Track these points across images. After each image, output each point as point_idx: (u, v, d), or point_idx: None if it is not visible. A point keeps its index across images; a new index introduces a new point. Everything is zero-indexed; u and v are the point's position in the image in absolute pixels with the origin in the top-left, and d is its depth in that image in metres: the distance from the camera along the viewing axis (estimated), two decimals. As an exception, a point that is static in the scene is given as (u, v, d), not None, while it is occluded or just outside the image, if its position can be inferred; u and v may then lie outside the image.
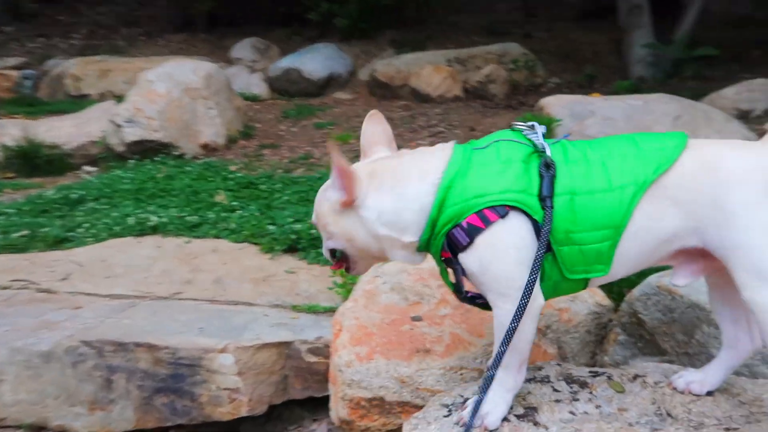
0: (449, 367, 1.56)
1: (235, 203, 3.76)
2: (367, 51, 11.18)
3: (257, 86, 9.99)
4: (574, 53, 10.28)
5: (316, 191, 1.64)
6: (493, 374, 1.31)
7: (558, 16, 12.06)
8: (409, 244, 1.44)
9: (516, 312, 1.26)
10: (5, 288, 2.58)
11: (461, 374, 1.55)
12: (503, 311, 1.33)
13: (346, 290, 2.38)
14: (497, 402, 1.36)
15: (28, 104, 9.08)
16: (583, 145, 1.45)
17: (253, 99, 8.96)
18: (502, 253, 1.33)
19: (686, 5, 10.01)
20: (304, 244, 2.90)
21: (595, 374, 1.44)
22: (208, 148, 6.15)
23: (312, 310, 2.32)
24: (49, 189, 5.07)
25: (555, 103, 5.51)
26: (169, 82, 6.23)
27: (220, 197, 3.81)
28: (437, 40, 11.24)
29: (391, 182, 1.46)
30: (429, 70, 8.91)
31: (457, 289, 1.43)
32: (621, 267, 1.38)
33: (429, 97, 8.66)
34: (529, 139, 1.45)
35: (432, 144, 1.62)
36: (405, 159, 1.53)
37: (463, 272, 1.38)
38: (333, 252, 1.61)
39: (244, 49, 11.28)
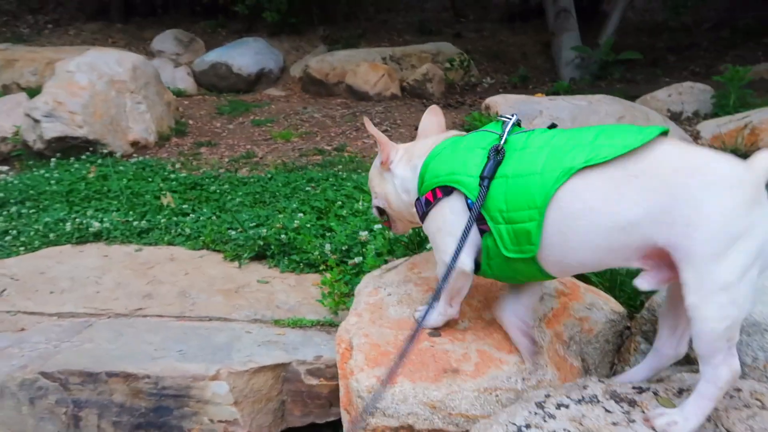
0: (483, 389, 1.42)
1: (184, 206, 3.45)
2: (297, 47, 10.90)
3: (183, 81, 9.46)
4: (504, 54, 10.50)
5: (268, 192, 1.78)
6: (431, 304, 1.61)
7: (485, 17, 12.30)
8: (411, 209, 1.71)
9: (446, 271, 1.49)
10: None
11: (497, 396, 1.41)
12: (440, 269, 1.59)
13: (333, 301, 2.21)
14: (435, 316, 1.66)
15: None
16: (556, 134, 1.48)
17: (179, 94, 8.48)
18: (441, 224, 1.56)
19: (608, 12, 10.49)
20: (273, 250, 2.68)
21: (640, 390, 1.36)
22: (138, 146, 5.70)
23: (297, 324, 2.12)
24: (-44, 191, 4.51)
25: (502, 103, 5.53)
26: (91, 73, 5.71)
27: (167, 199, 3.48)
28: (369, 38, 11.14)
29: (409, 158, 1.75)
30: (365, 68, 8.77)
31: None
32: (573, 252, 1.39)
33: (366, 95, 8.53)
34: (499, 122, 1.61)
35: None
36: (422, 141, 1.80)
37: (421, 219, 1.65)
38: (380, 210, 1.87)
39: (166, 41, 10.64)
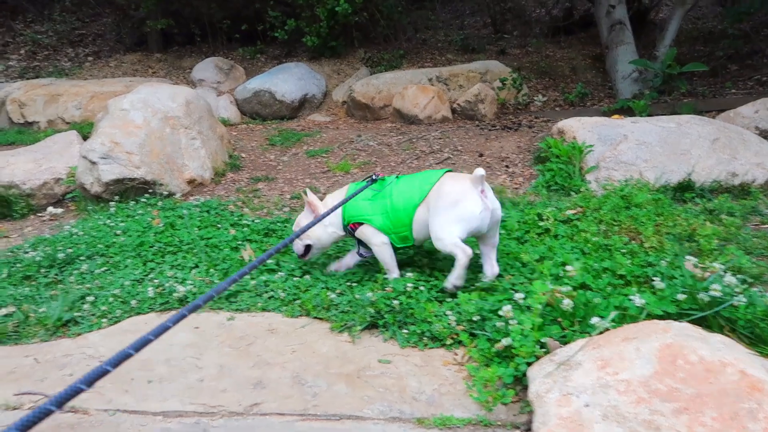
0: None
1: (268, 261, 3.15)
2: (338, 70, 10.69)
3: (226, 109, 9.31)
4: (552, 70, 10.13)
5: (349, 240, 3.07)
6: (385, 266, 2.82)
7: (528, 32, 11.96)
8: (341, 232, 2.92)
9: (380, 249, 2.81)
10: (13, 408, 1.91)
11: None
12: (374, 248, 2.83)
13: (484, 393, 1.86)
14: (393, 275, 2.82)
15: (-34, 135, 8.06)
16: (400, 183, 2.82)
17: (224, 123, 8.32)
18: (366, 234, 2.81)
19: (657, 22, 10.06)
20: (386, 319, 2.35)
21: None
22: (194, 184, 5.47)
23: (446, 424, 1.77)
24: (15, 239, 4.30)
25: (578, 127, 5.16)
26: (145, 110, 5.52)
27: (248, 252, 3.19)
28: (411, 58, 10.89)
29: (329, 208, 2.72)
30: (414, 90, 8.49)
31: (357, 245, 2.95)
32: (421, 235, 2.75)
33: (416, 119, 8.24)
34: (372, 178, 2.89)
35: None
36: (332, 196, 2.99)
37: (358, 240, 2.91)
38: (306, 247, 2.99)
39: (206, 69, 10.53)
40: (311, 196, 2.94)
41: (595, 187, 4.54)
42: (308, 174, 5.88)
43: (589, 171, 4.80)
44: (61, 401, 1.07)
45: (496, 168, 5.72)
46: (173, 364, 2.16)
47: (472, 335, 2.21)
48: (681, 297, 2.02)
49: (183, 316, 1.42)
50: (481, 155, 6.11)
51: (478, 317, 2.23)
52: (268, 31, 10.72)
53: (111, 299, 2.75)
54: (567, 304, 1.99)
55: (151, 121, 5.42)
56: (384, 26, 11.08)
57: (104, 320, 2.58)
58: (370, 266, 3.04)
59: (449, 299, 2.51)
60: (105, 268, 3.22)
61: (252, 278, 2.91)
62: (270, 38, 10.99)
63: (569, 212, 3.57)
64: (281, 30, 10.36)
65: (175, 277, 2.95)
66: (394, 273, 2.81)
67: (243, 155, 6.54)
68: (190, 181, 5.43)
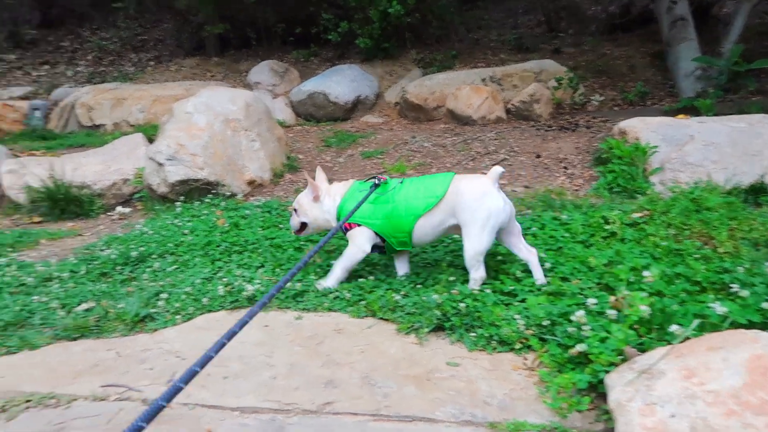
0: None
1: (331, 261, 3.20)
2: (391, 71, 10.73)
3: (281, 111, 9.49)
4: (609, 69, 9.87)
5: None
6: (332, 270, 2.91)
7: (584, 30, 11.69)
8: (333, 223, 2.95)
9: (354, 250, 2.90)
10: (100, 399, 2.01)
11: None
12: (353, 248, 2.88)
13: (558, 399, 1.83)
14: (329, 281, 2.89)
15: (40, 137, 8.50)
16: (404, 187, 2.84)
17: (280, 125, 8.49)
18: (355, 235, 2.87)
19: (723, 17, 9.66)
20: (453, 322, 2.35)
21: None
22: (254, 185, 5.60)
23: (519, 429, 1.76)
24: (89, 237, 4.51)
25: (641, 127, 5.02)
26: (208, 113, 5.69)
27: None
28: (463, 59, 10.82)
29: (331, 195, 3.03)
30: (467, 91, 8.44)
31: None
32: (421, 240, 2.85)
33: (470, 119, 8.19)
34: (375, 183, 2.92)
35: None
36: (335, 185, 3.10)
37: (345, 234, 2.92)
38: (302, 224, 3.12)
39: (262, 72, 10.76)
40: (318, 177, 3.13)
41: (661, 190, 4.40)
42: (364, 175, 5.93)
43: (654, 173, 4.66)
44: (169, 397, 1.13)
45: (554, 169, 5.63)
46: (246, 362, 2.23)
47: (542, 340, 2.19)
48: (766, 305, 1.94)
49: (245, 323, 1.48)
50: (538, 156, 6.02)
51: (548, 322, 2.20)
52: (322, 34, 10.85)
53: (183, 297, 2.85)
54: (644, 310, 1.94)
55: (213, 124, 5.59)
56: (436, 27, 11.06)
57: (178, 317, 2.68)
58: (433, 268, 3.05)
59: (517, 303, 2.49)
60: (176, 266, 3.34)
61: (318, 277, 2.96)
62: (323, 41, 11.13)
63: (635, 215, 3.48)
64: (334, 32, 10.47)
65: (243, 276, 3.03)
66: (342, 276, 2.87)
67: (300, 156, 6.65)
68: (250, 182, 5.57)
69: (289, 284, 2.87)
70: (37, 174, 5.53)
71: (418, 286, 2.81)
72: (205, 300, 2.79)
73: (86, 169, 5.84)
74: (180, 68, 11.62)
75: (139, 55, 12.57)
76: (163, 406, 1.13)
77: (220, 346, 1.42)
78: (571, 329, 2.07)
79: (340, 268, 2.88)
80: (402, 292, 2.71)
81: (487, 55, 10.95)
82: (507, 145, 6.45)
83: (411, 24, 10.49)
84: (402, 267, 3.03)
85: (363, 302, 2.67)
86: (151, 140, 6.70)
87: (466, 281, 2.75)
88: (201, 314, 2.70)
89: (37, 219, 5.37)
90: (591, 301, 2.18)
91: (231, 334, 1.46)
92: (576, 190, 5.01)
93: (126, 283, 3.20)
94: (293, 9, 11.27)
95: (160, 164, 5.15)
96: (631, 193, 4.59)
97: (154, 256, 3.50)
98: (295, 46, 11.67)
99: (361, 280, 2.89)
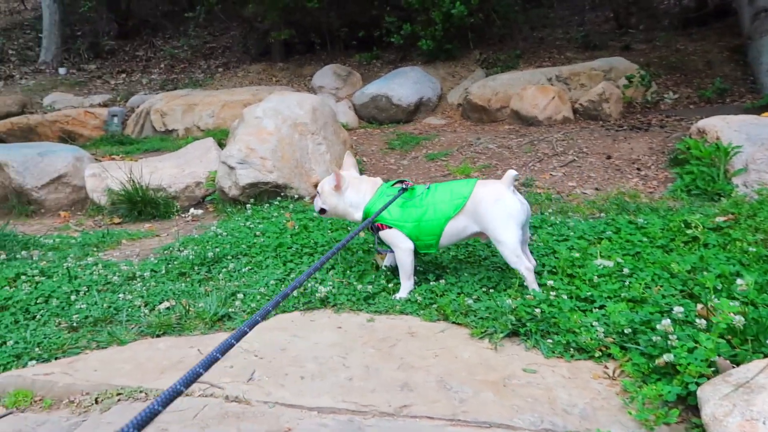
0: None
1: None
2: (453, 72, 10.67)
3: (345, 114, 9.60)
4: (684, 65, 9.44)
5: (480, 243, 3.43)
6: (401, 281, 2.92)
7: (655, 25, 11.23)
8: (357, 216, 3.08)
9: (403, 253, 2.92)
10: (185, 395, 2.10)
11: None
12: (399, 252, 2.91)
13: (644, 410, 1.76)
14: (402, 291, 2.88)
15: (118, 142, 8.95)
16: (433, 192, 2.94)
17: (344, 128, 8.58)
18: (393, 237, 2.92)
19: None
20: (528, 327, 2.31)
21: None
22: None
23: (603, 439, 1.71)
24: (165, 238, 4.71)
25: (722, 126, 4.77)
26: (276, 118, 5.83)
27: (380, 258, 3.27)
28: (528, 58, 10.62)
29: (355, 189, 3.11)
30: (533, 91, 8.28)
31: (377, 243, 3.01)
32: (443, 245, 2.93)
33: (535, 120, 8.03)
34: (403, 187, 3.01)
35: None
36: (364, 180, 3.18)
37: (379, 238, 2.98)
38: (322, 209, 3.20)
39: (325, 76, 10.95)
40: (346, 163, 3.25)
41: (745, 192, 4.17)
42: (429, 177, 5.92)
43: (737, 174, 4.42)
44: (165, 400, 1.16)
45: (626, 171, 5.44)
46: (321, 362, 2.26)
47: (623, 348, 2.11)
48: None
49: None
50: (608, 157, 5.83)
51: (630, 330, 2.13)
52: (384, 37, 10.92)
53: (258, 297, 2.93)
54: (738, 320, 1.84)
55: (281, 128, 5.72)
56: (500, 26, 10.91)
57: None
58: (504, 271, 3.00)
59: (595, 309, 2.42)
60: (249, 267, 3.44)
61: (388, 281, 2.98)
62: (385, 43, 11.19)
63: (719, 219, 3.31)
64: (397, 35, 10.50)
65: (315, 278, 3.08)
66: (410, 281, 2.90)
67: (364, 159, 6.71)
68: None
69: (360, 287, 2.90)
70: (117, 177, 5.83)
71: (491, 290, 2.78)
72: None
73: (162, 172, 6.11)
74: (247, 74, 11.98)
75: (208, 62, 13.05)
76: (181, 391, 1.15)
77: (227, 346, 1.43)
78: (655, 338, 1.99)
79: (404, 277, 2.91)
80: (474, 296, 2.69)
81: (552, 53, 10.71)
82: (575, 146, 6.29)
83: (474, 24, 10.39)
84: (388, 259, 3.19)
85: (434, 306, 2.66)
86: (221, 144, 6.94)
87: (540, 285, 2.69)
88: (276, 314, 2.77)
89: (117, 220, 5.65)
90: (677, 309, 2.08)
91: (241, 334, 1.47)
92: (651, 192, 4.83)
93: (203, 282, 3.32)
94: (356, 13, 11.39)
95: (232, 168, 5.32)
96: (711, 195, 4.38)
97: (228, 257, 3.61)
98: (357, 50, 11.80)
99: (432, 283, 2.88)
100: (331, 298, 2.83)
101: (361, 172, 6.32)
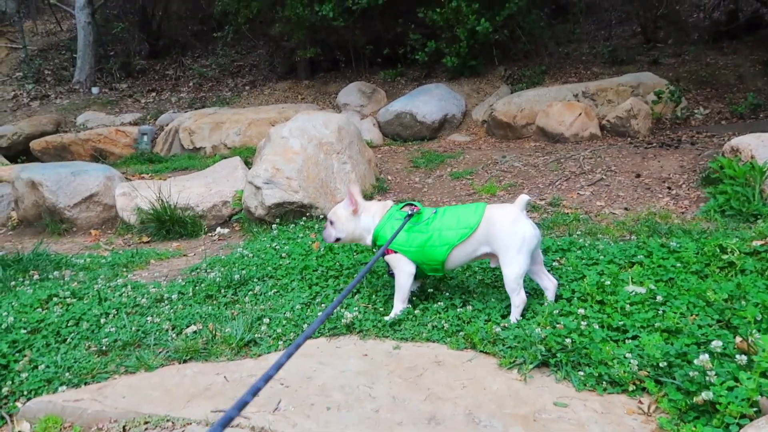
0: None
1: (425, 288, 3.19)
2: (478, 89, 10.65)
3: (369, 132, 9.64)
4: (714, 79, 9.28)
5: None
6: (394, 303, 2.95)
7: (684, 39, 11.08)
8: (367, 242, 3.09)
9: (403, 276, 2.93)
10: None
11: None
12: (399, 273, 2.94)
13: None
14: (393, 313, 2.90)
15: (148, 160, 9.12)
16: (440, 216, 2.93)
17: (368, 145, 8.62)
18: (396, 260, 2.94)
19: None
20: (558, 358, 2.26)
21: None
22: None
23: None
24: (192, 258, 4.76)
25: (757, 144, 4.66)
26: (302, 137, 5.88)
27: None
28: (554, 74, 10.56)
29: (367, 212, 3.08)
30: (559, 107, 8.21)
31: (387, 267, 3.05)
32: (453, 265, 2.97)
33: (561, 137, 7.95)
34: (409, 213, 2.98)
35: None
36: (374, 204, 3.14)
37: (387, 262, 3.01)
38: (337, 239, 3.15)
39: (350, 94, 11.03)
40: (355, 191, 3.11)
41: (782, 213, 4.05)
42: (454, 196, 5.89)
43: (773, 194, 4.30)
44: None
45: (656, 190, 5.33)
46: (348, 392, 2.24)
47: (658, 382, 2.04)
48: None
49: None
50: (638, 176, 5.73)
51: (665, 363, 2.06)
52: (409, 54, 10.97)
53: (284, 322, 2.92)
54: (781, 357, 1.77)
55: (307, 148, 5.76)
56: (525, 42, 10.88)
57: (280, 342, 2.75)
58: (532, 296, 2.95)
59: (628, 339, 2.35)
60: (275, 290, 3.45)
61: (414, 306, 2.95)
62: (410, 61, 11.24)
63: (756, 243, 3.21)
64: (422, 52, 10.54)
65: (342, 304, 3.07)
66: (403, 304, 2.93)
67: (389, 177, 6.71)
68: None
69: (382, 309, 2.87)
70: (146, 196, 5.92)
71: (519, 318, 2.73)
72: (305, 326, 2.85)
73: (190, 191, 6.18)
74: (273, 92, 12.14)
75: (235, 80, 13.26)
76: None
77: (267, 378, 1.39)
78: (692, 373, 1.92)
79: (399, 300, 2.94)
80: (502, 324, 2.64)
81: (578, 69, 10.63)
82: (603, 164, 6.20)
83: (499, 40, 10.39)
84: (413, 284, 3.09)
85: (461, 333, 2.62)
86: (247, 163, 7.02)
87: (570, 313, 2.64)
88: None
89: (145, 239, 5.73)
90: (715, 343, 2.01)
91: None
92: (682, 212, 4.72)
93: (230, 305, 3.34)
94: (381, 31, 11.48)
95: (258, 188, 5.36)
96: (746, 216, 4.26)
97: (255, 279, 3.62)
98: (382, 67, 11.87)
99: (459, 309, 2.84)
100: (357, 324, 2.81)
101: (386, 191, 6.33)
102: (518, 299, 2.72)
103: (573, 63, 10.94)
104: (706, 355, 1.90)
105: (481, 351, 2.47)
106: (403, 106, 9.70)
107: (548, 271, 2.99)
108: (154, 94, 12.91)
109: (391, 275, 3.04)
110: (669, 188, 5.32)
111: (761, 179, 4.36)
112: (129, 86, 13.39)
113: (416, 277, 3.01)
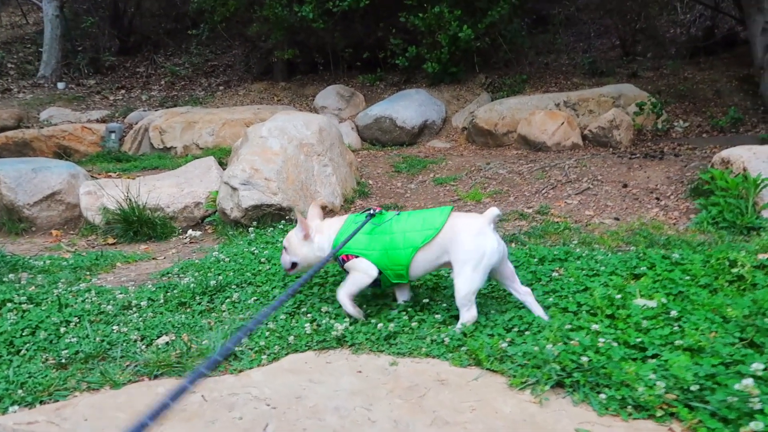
0: None
1: (419, 298, 2.96)
2: (458, 96, 10.54)
3: (347, 135, 9.40)
4: (693, 94, 9.34)
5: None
6: (342, 303, 2.77)
7: (662, 53, 11.17)
8: (328, 257, 2.74)
9: (363, 277, 2.74)
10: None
11: None
12: (361, 275, 2.74)
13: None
14: (344, 305, 2.76)
15: (115, 159, 8.71)
16: (403, 219, 2.79)
17: (348, 150, 8.36)
18: (359, 264, 2.75)
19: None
20: (574, 378, 2.06)
21: None
22: (325, 211, 5.44)
23: None
24: (162, 261, 4.45)
25: (749, 157, 4.59)
26: (282, 137, 5.61)
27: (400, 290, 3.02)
28: (534, 83, 10.52)
29: (323, 234, 2.91)
30: (541, 116, 8.12)
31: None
32: (417, 272, 2.77)
33: (543, 145, 7.86)
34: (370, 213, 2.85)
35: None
36: (329, 222, 2.99)
37: (343, 267, 2.84)
38: (293, 264, 2.97)
39: (328, 96, 10.80)
40: (310, 213, 3.04)
41: (778, 226, 3.96)
42: (437, 202, 5.70)
43: (766, 207, 4.22)
44: None
45: (644, 200, 5.23)
46: (343, 415, 2.00)
47: (689, 407, 1.86)
48: None
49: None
50: (624, 186, 5.63)
51: (697, 386, 1.88)
52: (389, 59, 10.80)
53: (267, 333, 2.66)
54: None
55: (287, 148, 5.50)
56: (506, 51, 10.82)
57: (264, 357, 2.49)
58: (519, 308, 2.75)
59: (648, 359, 2.17)
60: (255, 297, 3.18)
61: (410, 318, 2.73)
62: (389, 65, 11.07)
63: (762, 256, 3.08)
64: (402, 57, 10.38)
65: (329, 313, 2.82)
66: (352, 310, 2.73)
67: (370, 182, 6.49)
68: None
69: (380, 325, 2.64)
70: (113, 196, 5.57)
71: (525, 332, 2.52)
72: (291, 338, 2.60)
73: (160, 191, 5.85)
74: (248, 92, 11.81)
75: (209, 80, 12.88)
76: None
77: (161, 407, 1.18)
78: (730, 398, 1.74)
79: (344, 295, 2.74)
80: (507, 339, 2.43)
81: (558, 79, 10.61)
82: (589, 173, 6.09)
83: (480, 48, 10.30)
84: (402, 294, 2.95)
85: (464, 348, 2.41)
86: (221, 163, 6.71)
87: (580, 328, 2.45)
88: (287, 354, 2.50)
89: (111, 240, 5.38)
90: (756, 366, 1.84)
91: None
92: (673, 223, 4.61)
93: (205, 314, 3.06)
94: (361, 34, 11.29)
95: (234, 189, 5.07)
96: (740, 228, 4.17)
97: (232, 286, 3.35)
98: (361, 71, 11.67)
99: (447, 318, 2.62)
100: (348, 337, 2.57)
101: (368, 195, 6.10)
102: (468, 315, 2.57)
103: (553, 73, 10.92)
104: (750, 380, 1.72)
105: (487, 369, 2.25)
106: (382, 111, 9.52)
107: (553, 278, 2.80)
108: (123, 91, 12.45)
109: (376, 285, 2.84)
110: (657, 199, 5.23)
111: (755, 192, 4.28)
112: (97, 83, 12.89)
113: (377, 285, 2.81)
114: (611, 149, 7.52)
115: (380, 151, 8.74)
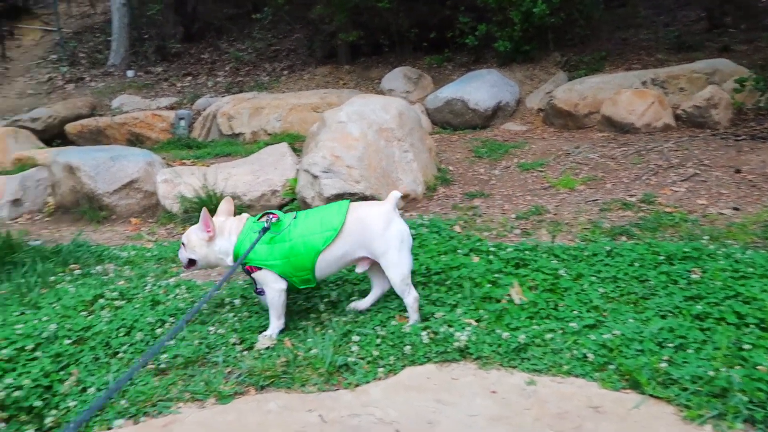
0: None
1: (539, 302, 2.64)
2: (531, 75, 9.99)
3: (417, 119, 9.07)
4: (795, 67, 8.47)
5: (625, 275, 2.82)
6: (270, 320, 2.71)
7: (756, 24, 10.26)
8: (229, 262, 2.76)
9: (274, 294, 2.69)
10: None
11: None
12: (270, 291, 2.69)
13: None
14: (270, 330, 2.67)
15: (186, 146, 8.70)
16: (300, 222, 2.71)
17: (421, 134, 8.00)
18: (264, 277, 2.69)
19: None
20: (761, 412, 1.70)
21: None
22: (407, 200, 5.17)
23: None
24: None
25: None
26: (361, 122, 5.35)
27: (516, 291, 2.71)
28: (614, 60, 9.85)
29: (223, 236, 2.79)
30: (628, 95, 7.54)
31: (254, 285, 2.78)
32: (324, 274, 2.75)
33: (631, 127, 7.29)
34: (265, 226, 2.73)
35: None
36: (228, 222, 2.86)
37: (253, 279, 2.76)
38: (191, 261, 2.86)
39: (395, 79, 10.46)
40: (220, 209, 2.93)
41: None
42: (527, 190, 5.32)
43: None
44: None
45: (765, 188, 4.69)
46: (488, 447, 1.72)
47: None
48: None
49: None
50: (737, 171, 5.09)
51: None
52: (457, 38, 10.35)
53: (379, 341, 2.41)
54: None
55: (367, 134, 5.24)
56: (582, 26, 10.16)
57: (380, 369, 2.23)
58: (693, 320, 2.38)
59: None
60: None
61: (530, 321, 2.41)
62: (457, 45, 10.62)
63: None
64: (471, 36, 9.91)
65: (446, 320, 2.54)
66: (280, 320, 2.71)
67: (450, 168, 6.16)
68: (404, 197, 5.13)
69: (506, 334, 2.34)
70: (189, 183, 5.47)
71: (680, 349, 2.16)
72: (406, 348, 2.33)
73: (236, 179, 5.72)
74: (312, 77, 11.62)
75: (272, 64, 12.78)
76: None
77: None
78: None
79: (274, 317, 2.71)
80: (665, 357, 2.09)
81: (640, 55, 9.90)
82: (693, 158, 5.55)
83: (554, 24, 9.71)
84: (379, 285, 2.86)
85: (612, 366, 2.08)
86: (294, 149, 6.53)
87: (755, 346, 2.07)
88: (404, 367, 2.25)
89: (189, 230, 5.28)
90: None
91: None
92: (806, 213, 4.09)
93: (304, 314, 2.84)
94: (427, 14, 10.87)
95: (315, 177, 4.86)
96: None
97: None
98: (427, 52, 11.26)
99: (605, 336, 2.28)
100: (472, 348, 2.28)
101: (450, 182, 5.77)
102: (411, 298, 2.62)
103: (633, 49, 10.21)
104: None
105: (649, 394, 1.92)
106: (453, 93, 9.11)
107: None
108: (189, 78, 12.51)
109: (260, 293, 2.77)
110: (779, 185, 4.68)
111: None
112: (164, 70, 13.00)
113: (288, 291, 2.75)
114: (709, 130, 6.89)
115: (453, 134, 8.36)
